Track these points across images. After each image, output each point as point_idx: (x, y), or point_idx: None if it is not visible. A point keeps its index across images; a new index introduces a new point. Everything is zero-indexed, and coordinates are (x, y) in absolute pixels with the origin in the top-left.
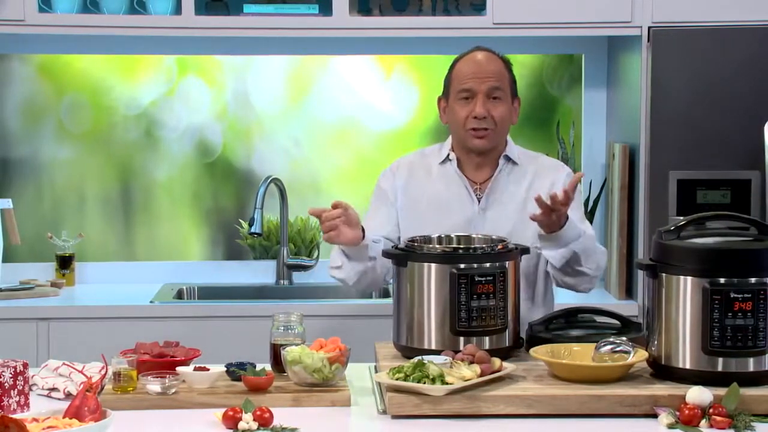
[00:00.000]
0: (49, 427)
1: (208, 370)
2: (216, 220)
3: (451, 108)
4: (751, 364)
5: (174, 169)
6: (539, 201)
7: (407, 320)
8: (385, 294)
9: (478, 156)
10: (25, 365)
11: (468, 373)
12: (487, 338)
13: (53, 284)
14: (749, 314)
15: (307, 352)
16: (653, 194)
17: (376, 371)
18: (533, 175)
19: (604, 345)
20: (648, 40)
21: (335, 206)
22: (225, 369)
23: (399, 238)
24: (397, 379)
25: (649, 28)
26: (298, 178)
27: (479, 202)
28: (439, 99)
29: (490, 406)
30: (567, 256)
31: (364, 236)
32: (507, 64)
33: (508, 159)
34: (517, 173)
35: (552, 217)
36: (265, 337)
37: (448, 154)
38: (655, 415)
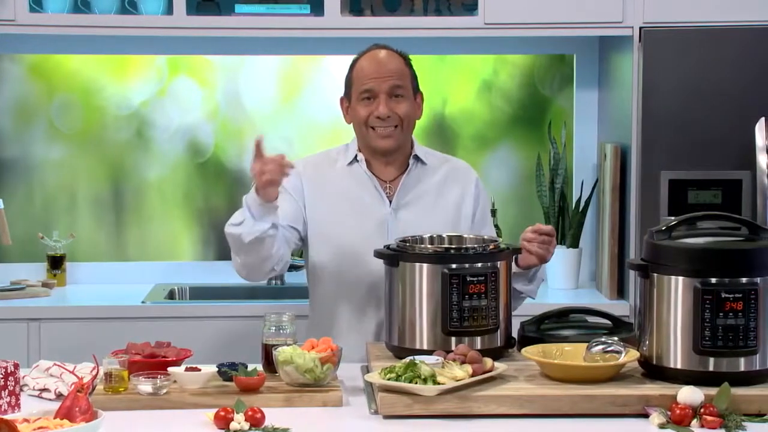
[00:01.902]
0: (40, 428)
1: (199, 370)
2: (207, 220)
3: (354, 108)
4: (742, 364)
5: (165, 169)
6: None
7: (399, 320)
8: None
9: (384, 155)
10: (16, 366)
11: (460, 373)
12: (478, 338)
13: (44, 284)
14: (740, 314)
15: (298, 352)
16: (644, 194)
17: (368, 371)
18: (444, 176)
19: (596, 345)
20: (639, 41)
21: (279, 159)
22: (216, 369)
23: (301, 236)
24: (388, 380)
25: (640, 28)
26: None
27: (390, 202)
28: (342, 99)
29: (481, 406)
30: (539, 283)
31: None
32: (407, 61)
33: (417, 159)
34: (426, 173)
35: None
36: (257, 337)
37: (356, 155)
38: (646, 415)
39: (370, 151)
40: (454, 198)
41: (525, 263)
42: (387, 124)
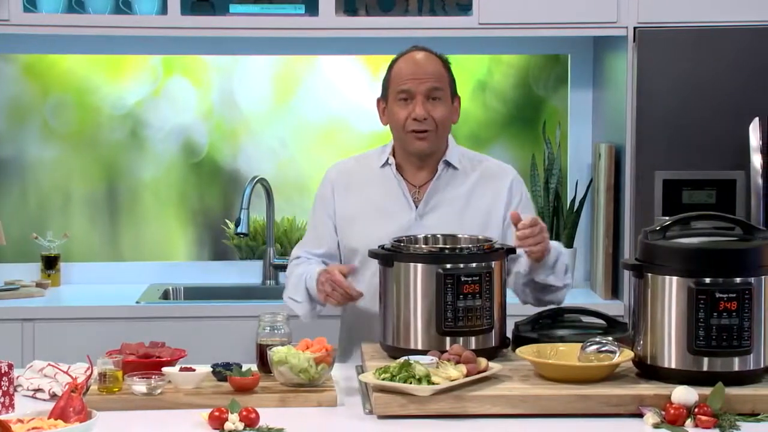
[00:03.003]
0: (34, 428)
1: (194, 370)
2: (202, 221)
3: (390, 109)
4: (736, 364)
5: (160, 169)
6: (515, 219)
7: (393, 320)
8: None
9: (419, 159)
10: (10, 366)
11: (454, 373)
12: (473, 338)
13: (38, 285)
14: (734, 314)
15: (293, 352)
16: (639, 194)
17: (363, 371)
18: (475, 181)
19: (590, 345)
20: (634, 41)
21: (349, 291)
22: (211, 369)
23: (338, 246)
24: (383, 380)
25: (634, 28)
26: (284, 178)
27: (417, 208)
28: (378, 100)
29: (476, 406)
30: (563, 270)
31: None
32: (446, 64)
33: (448, 164)
34: (457, 178)
35: (537, 243)
36: (251, 337)
37: (388, 158)
38: (640, 415)
39: (405, 153)
40: (485, 203)
41: (534, 258)
42: (423, 127)
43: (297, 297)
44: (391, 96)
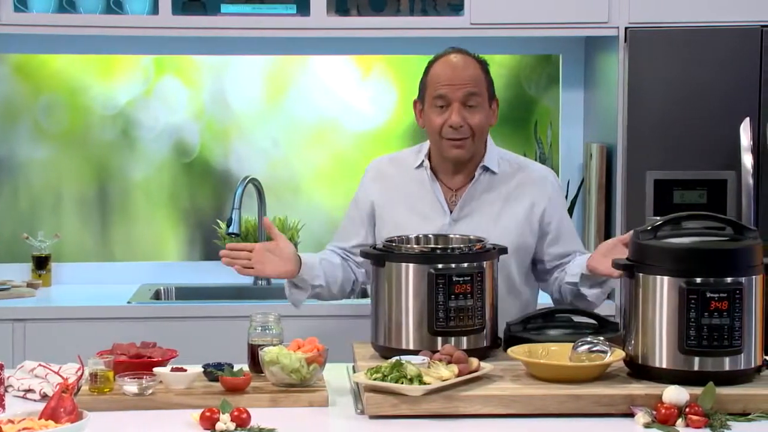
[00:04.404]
0: (24, 429)
1: (185, 370)
2: (193, 221)
3: (427, 114)
4: (726, 364)
5: (151, 169)
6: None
7: (385, 320)
8: (363, 294)
9: (454, 164)
10: (1, 366)
11: (446, 373)
12: (464, 338)
13: (29, 285)
14: (725, 314)
15: (284, 352)
16: (630, 194)
17: (354, 371)
18: (514, 187)
19: (582, 345)
20: (625, 41)
21: (249, 248)
22: (202, 369)
23: (373, 236)
24: (374, 380)
25: (625, 28)
26: (276, 178)
27: (451, 213)
28: (415, 102)
29: (467, 406)
30: (607, 291)
31: (299, 270)
32: (483, 66)
33: (486, 169)
34: (495, 183)
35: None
36: (243, 337)
37: (423, 161)
38: (631, 415)
39: (441, 158)
40: (523, 210)
41: (593, 268)
42: (460, 135)
43: (286, 287)
44: (427, 100)
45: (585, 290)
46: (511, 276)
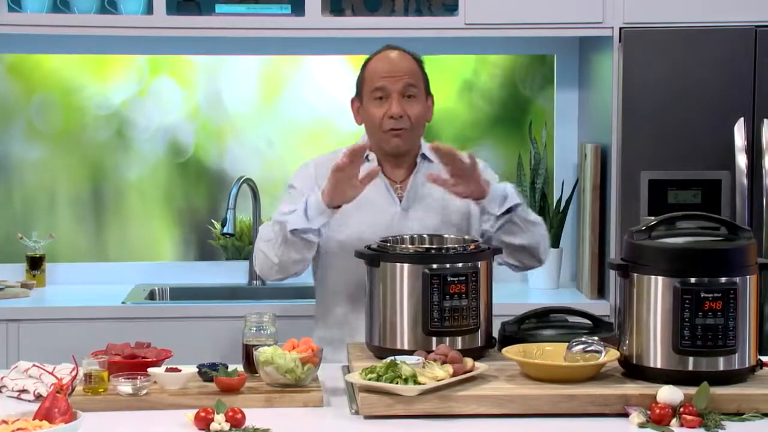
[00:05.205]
0: (18, 429)
1: (179, 371)
2: (188, 221)
3: (366, 109)
4: (721, 364)
5: (145, 169)
6: (433, 178)
7: (380, 321)
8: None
9: (395, 157)
10: None
11: (440, 373)
12: (459, 338)
13: (23, 285)
14: (719, 314)
15: (279, 352)
16: (625, 194)
17: (349, 371)
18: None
19: (576, 345)
20: (619, 41)
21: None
22: (197, 370)
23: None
24: (369, 380)
25: (620, 28)
26: (270, 178)
27: (401, 201)
28: (353, 100)
29: (462, 406)
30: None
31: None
32: (419, 62)
33: (425, 157)
34: (432, 170)
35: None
36: (238, 337)
37: (368, 155)
38: (626, 415)
39: (381, 152)
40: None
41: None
42: (400, 125)
43: (285, 208)
44: (365, 95)
45: (495, 211)
46: None
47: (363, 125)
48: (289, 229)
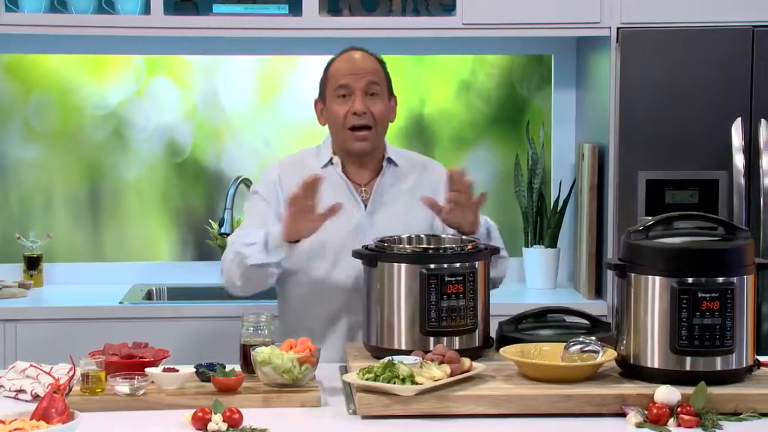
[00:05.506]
0: (15, 429)
1: (177, 371)
2: (185, 221)
3: (329, 108)
4: (718, 363)
5: (143, 169)
6: (429, 203)
7: (377, 320)
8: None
9: (359, 158)
10: None
11: (438, 373)
12: (457, 338)
13: (21, 285)
14: (717, 313)
15: (276, 352)
16: (622, 194)
17: (346, 371)
18: (416, 177)
19: (573, 344)
20: (617, 41)
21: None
22: (194, 370)
23: None
24: (367, 380)
25: (617, 28)
26: None
27: (365, 206)
28: (316, 101)
29: (459, 406)
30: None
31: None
32: (382, 63)
33: (390, 161)
34: (398, 174)
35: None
36: (235, 337)
37: (331, 158)
38: (623, 415)
39: (345, 153)
40: (428, 197)
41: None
42: (363, 121)
43: (249, 239)
44: (329, 95)
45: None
46: None
47: (327, 126)
48: (248, 264)
